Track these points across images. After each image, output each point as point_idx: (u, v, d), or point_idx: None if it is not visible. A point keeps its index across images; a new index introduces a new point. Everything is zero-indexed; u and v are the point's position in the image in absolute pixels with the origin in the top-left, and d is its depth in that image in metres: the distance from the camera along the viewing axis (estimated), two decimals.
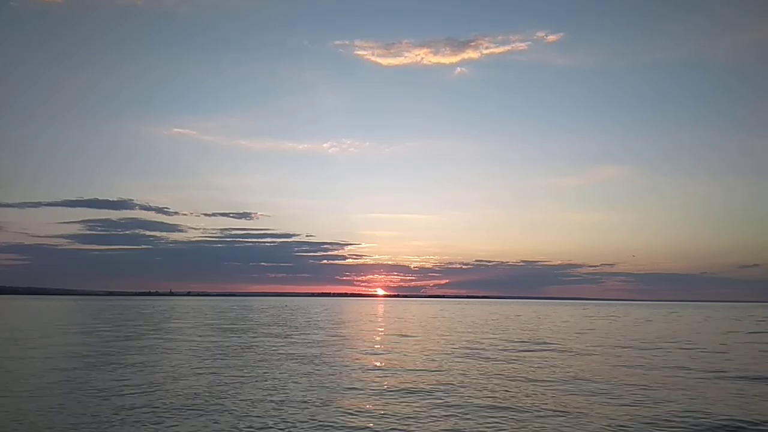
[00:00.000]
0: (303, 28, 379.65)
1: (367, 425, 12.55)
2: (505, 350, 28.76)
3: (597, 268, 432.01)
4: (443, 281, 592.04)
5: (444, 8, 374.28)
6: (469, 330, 45.51)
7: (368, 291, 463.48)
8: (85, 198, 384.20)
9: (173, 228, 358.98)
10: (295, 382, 17.80)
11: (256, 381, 18.00)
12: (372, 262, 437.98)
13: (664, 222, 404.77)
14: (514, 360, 24.38)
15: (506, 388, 17.01)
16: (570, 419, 13.14)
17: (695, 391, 16.95)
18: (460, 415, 13.55)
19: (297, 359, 23.85)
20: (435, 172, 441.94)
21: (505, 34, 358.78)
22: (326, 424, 12.54)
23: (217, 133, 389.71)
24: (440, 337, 37.09)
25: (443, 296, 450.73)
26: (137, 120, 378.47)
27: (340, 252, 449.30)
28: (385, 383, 17.90)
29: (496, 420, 13.07)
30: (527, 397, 15.78)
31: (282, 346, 29.81)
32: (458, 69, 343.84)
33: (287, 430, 12.04)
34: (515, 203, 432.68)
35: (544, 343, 33.76)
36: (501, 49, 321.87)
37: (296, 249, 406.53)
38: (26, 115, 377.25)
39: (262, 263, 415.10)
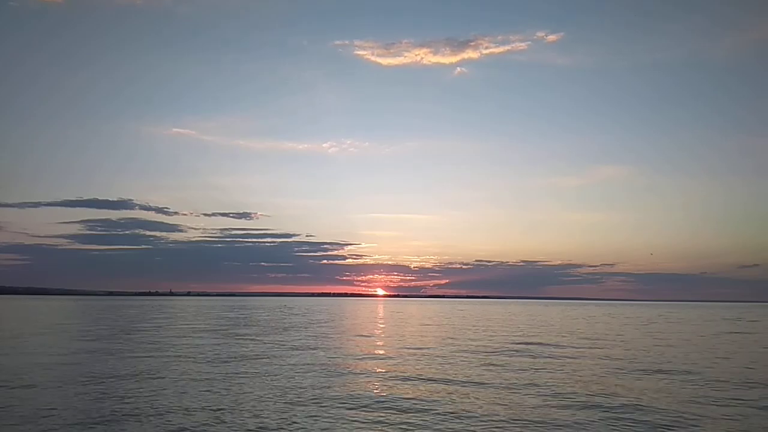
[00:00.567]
0: (303, 28, 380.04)
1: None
2: (465, 352, 28.93)
3: (597, 268, 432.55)
4: (443, 281, 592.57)
5: (444, 8, 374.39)
6: (445, 331, 45.54)
7: (368, 291, 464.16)
8: (85, 198, 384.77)
9: (173, 228, 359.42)
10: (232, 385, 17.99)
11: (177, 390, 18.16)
12: (372, 262, 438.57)
13: (664, 222, 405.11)
14: (462, 362, 23.87)
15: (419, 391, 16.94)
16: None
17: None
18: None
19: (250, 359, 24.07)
20: (435, 172, 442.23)
21: (505, 34, 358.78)
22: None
23: (217, 133, 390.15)
24: (404, 338, 37.29)
25: (443, 296, 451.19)
26: (137, 120, 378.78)
27: (340, 252, 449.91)
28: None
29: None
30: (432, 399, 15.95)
31: (235, 347, 29.97)
32: (458, 69, 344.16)
33: None
34: (515, 203, 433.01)
35: (518, 344, 33.95)
36: (501, 49, 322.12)
37: (296, 249, 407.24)
38: (26, 115, 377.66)
39: (262, 263, 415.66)
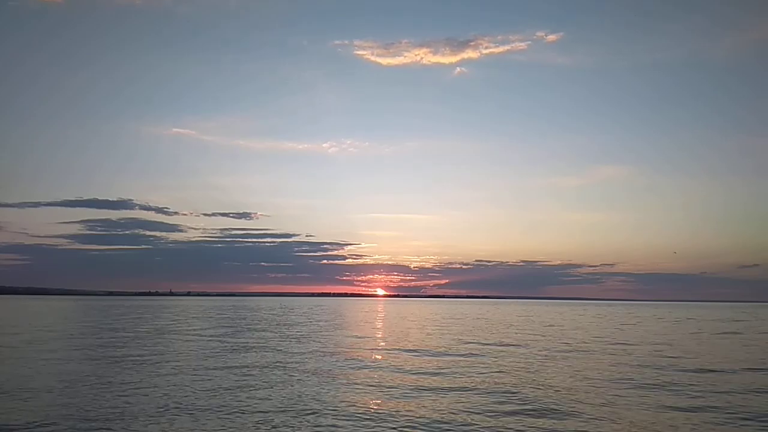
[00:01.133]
0: (303, 28, 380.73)
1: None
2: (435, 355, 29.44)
3: (597, 268, 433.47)
4: (443, 281, 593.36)
5: (443, 8, 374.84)
6: (427, 332, 46.13)
7: (368, 291, 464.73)
8: (85, 198, 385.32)
9: (173, 228, 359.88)
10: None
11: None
12: (372, 262, 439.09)
13: (664, 222, 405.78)
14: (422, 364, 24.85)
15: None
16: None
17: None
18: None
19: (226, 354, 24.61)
20: (435, 172, 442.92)
21: (505, 33, 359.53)
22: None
23: (217, 133, 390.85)
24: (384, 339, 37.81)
25: (443, 296, 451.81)
26: (137, 120, 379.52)
27: (340, 252, 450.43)
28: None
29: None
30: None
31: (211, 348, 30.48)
32: (458, 69, 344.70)
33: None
34: (515, 203, 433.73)
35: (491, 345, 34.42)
36: (500, 49, 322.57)
37: (296, 249, 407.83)
38: (26, 115, 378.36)
39: (262, 263, 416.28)
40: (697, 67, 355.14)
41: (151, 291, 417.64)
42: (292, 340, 34.41)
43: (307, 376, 19.52)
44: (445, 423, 13.06)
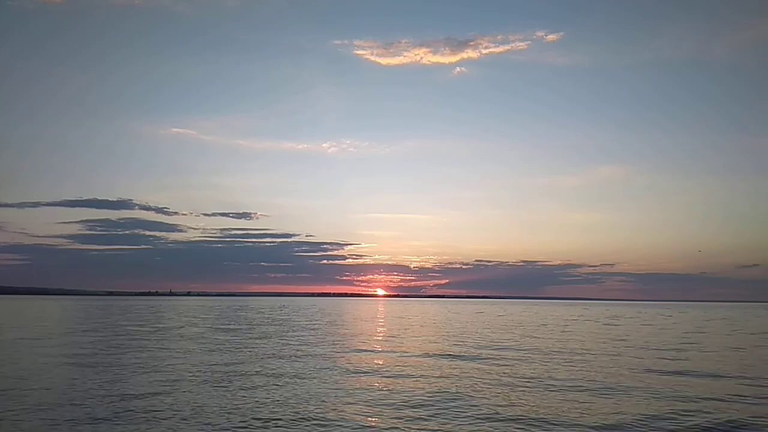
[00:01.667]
0: (302, 28, 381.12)
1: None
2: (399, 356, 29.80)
3: (597, 268, 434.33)
4: (443, 281, 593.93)
5: (443, 8, 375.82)
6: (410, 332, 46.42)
7: (368, 291, 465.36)
8: (85, 198, 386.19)
9: (173, 228, 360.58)
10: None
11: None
12: (372, 262, 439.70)
13: (664, 222, 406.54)
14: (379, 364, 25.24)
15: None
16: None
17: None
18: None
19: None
20: (435, 172, 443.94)
21: (505, 33, 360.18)
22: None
23: (216, 133, 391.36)
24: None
25: (443, 296, 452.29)
26: (137, 120, 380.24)
27: (340, 252, 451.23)
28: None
29: None
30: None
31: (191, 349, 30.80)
32: (457, 68, 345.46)
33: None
34: (515, 203, 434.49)
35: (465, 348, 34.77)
36: (500, 49, 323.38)
37: (296, 249, 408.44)
38: (26, 115, 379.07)
39: (262, 263, 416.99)
40: (697, 67, 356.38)
41: (151, 291, 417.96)
42: (303, 345, 34.67)
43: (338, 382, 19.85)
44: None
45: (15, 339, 33.66)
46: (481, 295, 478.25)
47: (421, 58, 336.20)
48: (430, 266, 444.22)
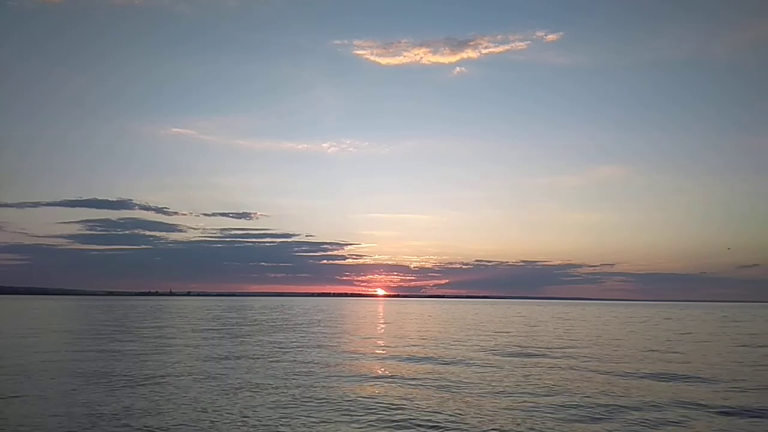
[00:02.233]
0: (302, 27, 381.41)
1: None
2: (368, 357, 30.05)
3: (597, 268, 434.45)
4: (443, 281, 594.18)
5: (443, 8, 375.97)
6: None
7: (368, 291, 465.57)
8: (85, 198, 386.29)
9: (173, 228, 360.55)
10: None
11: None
12: (372, 262, 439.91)
13: (664, 222, 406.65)
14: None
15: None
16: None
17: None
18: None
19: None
20: (435, 172, 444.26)
21: (504, 33, 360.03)
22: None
23: (216, 133, 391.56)
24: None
25: (443, 296, 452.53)
26: (137, 120, 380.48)
27: (340, 252, 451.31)
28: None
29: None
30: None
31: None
32: (457, 68, 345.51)
33: None
34: (515, 203, 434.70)
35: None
36: (500, 49, 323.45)
37: (296, 249, 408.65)
38: (26, 115, 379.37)
39: (262, 263, 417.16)
40: (697, 67, 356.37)
41: (151, 291, 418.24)
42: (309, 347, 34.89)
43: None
44: None
45: (13, 339, 33.98)
46: (481, 295, 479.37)
47: (421, 58, 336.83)
48: (430, 266, 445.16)
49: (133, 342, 32.21)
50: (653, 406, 15.27)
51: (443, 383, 18.47)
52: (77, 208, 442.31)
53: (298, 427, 12.72)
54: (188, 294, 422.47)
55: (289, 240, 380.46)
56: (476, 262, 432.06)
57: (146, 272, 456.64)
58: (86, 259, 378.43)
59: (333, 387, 17.58)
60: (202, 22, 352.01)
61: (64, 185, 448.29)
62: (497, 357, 26.14)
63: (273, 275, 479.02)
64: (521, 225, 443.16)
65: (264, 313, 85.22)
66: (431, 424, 13.15)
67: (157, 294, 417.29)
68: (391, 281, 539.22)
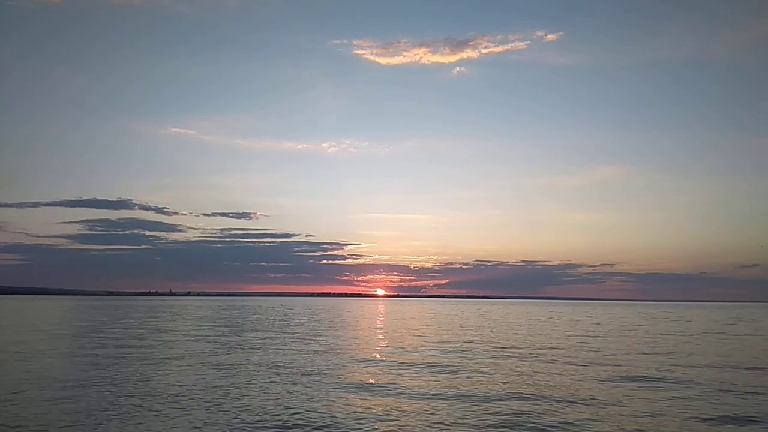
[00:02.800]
0: (302, 27, 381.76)
1: None
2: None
3: (597, 268, 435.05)
4: (443, 281, 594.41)
5: (443, 7, 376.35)
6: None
7: (368, 291, 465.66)
8: (85, 198, 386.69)
9: (173, 228, 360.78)
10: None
11: None
12: (372, 262, 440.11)
13: (664, 222, 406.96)
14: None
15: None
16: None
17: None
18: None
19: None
20: (434, 172, 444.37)
21: (504, 33, 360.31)
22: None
23: (216, 133, 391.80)
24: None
25: (443, 296, 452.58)
26: (137, 120, 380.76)
27: (340, 252, 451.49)
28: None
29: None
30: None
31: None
32: (457, 68, 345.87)
33: None
34: (515, 203, 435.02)
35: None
36: (500, 49, 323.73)
37: (296, 249, 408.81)
38: (26, 115, 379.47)
39: (262, 263, 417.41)
40: (697, 67, 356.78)
41: (151, 291, 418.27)
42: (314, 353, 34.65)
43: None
44: None
45: (13, 339, 33.75)
46: (481, 295, 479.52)
47: (421, 58, 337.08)
48: (430, 266, 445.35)
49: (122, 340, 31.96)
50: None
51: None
52: (77, 208, 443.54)
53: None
54: (188, 294, 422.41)
55: (289, 240, 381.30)
56: (476, 262, 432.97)
57: (146, 272, 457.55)
58: (86, 259, 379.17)
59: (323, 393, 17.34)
60: (202, 22, 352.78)
61: (64, 185, 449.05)
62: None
63: (273, 275, 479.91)
64: (521, 225, 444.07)
65: (264, 313, 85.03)
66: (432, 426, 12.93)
67: (157, 294, 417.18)
68: (391, 281, 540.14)
